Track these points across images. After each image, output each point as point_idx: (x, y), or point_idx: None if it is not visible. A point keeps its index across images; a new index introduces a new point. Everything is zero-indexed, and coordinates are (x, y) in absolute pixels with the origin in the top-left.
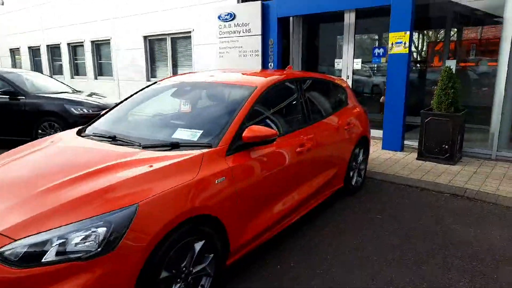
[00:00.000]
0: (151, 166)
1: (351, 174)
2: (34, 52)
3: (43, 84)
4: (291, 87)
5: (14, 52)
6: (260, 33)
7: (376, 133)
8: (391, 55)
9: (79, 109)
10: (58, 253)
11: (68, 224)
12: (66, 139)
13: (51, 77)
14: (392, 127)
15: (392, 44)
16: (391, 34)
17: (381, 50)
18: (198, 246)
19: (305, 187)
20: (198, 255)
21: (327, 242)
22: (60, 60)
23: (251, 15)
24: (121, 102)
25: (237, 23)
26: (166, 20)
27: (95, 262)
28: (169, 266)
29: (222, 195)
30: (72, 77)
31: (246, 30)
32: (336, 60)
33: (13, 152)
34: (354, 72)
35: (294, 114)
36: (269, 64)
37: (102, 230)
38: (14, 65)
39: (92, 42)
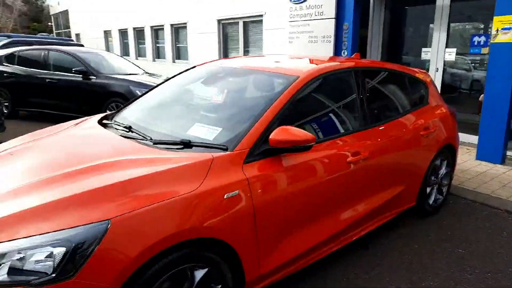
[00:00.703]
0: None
1: (427, 190)
2: (123, 34)
3: (116, 65)
4: (349, 79)
5: (107, 34)
6: (333, 16)
7: (471, 138)
8: (495, 45)
9: (143, 91)
10: (10, 271)
11: (28, 237)
12: (85, 124)
13: (136, 60)
14: (492, 132)
15: (497, 30)
16: (496, 18)
17: (482, 39)
18: (199, 274)
19: (358, 206)
20: (199, 285)
21: (384, 279)
22: (144, 43)
23: None
24: (155, 87)
25: (309, 5)
26: (239, 4)
27: None
28: None
29: (233, 213)
30: (153, 60)
31: (318, 12)
32: (423, 50)
33: (39, 132)
34: (448, 64)
35: (350, 113)
36: (342, 51)
37: (59, 251)
38: (107, 46)
39: (172, 25)
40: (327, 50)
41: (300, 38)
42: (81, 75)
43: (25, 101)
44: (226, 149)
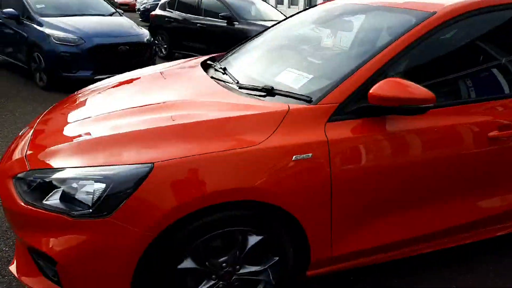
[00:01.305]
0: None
1: None
2: None
3: (262, 11)
4: None
5: None
6: None
7: None
8: None
9: None
10: (62, 198)
11: (85, 167)
12: (189, 63)
13: (288, 8)
14: None
15: None
16: None
17: None
18: (252, 240)
19: (492, 199)
20: (251, 252)
21: None
22: None
23: None
24: (267, 29)
25: None
26: None
27: (82, 223)
28: (197, 256)
29: (301, 180)
30: (304, 8)
31: None
32: None
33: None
34: None
35: (506, 70)
36: None
37: (99, 187)
38: None
39: None
40: None
41: None
42: (225, 21)
43: (180, 44)
44: (309, 101)
